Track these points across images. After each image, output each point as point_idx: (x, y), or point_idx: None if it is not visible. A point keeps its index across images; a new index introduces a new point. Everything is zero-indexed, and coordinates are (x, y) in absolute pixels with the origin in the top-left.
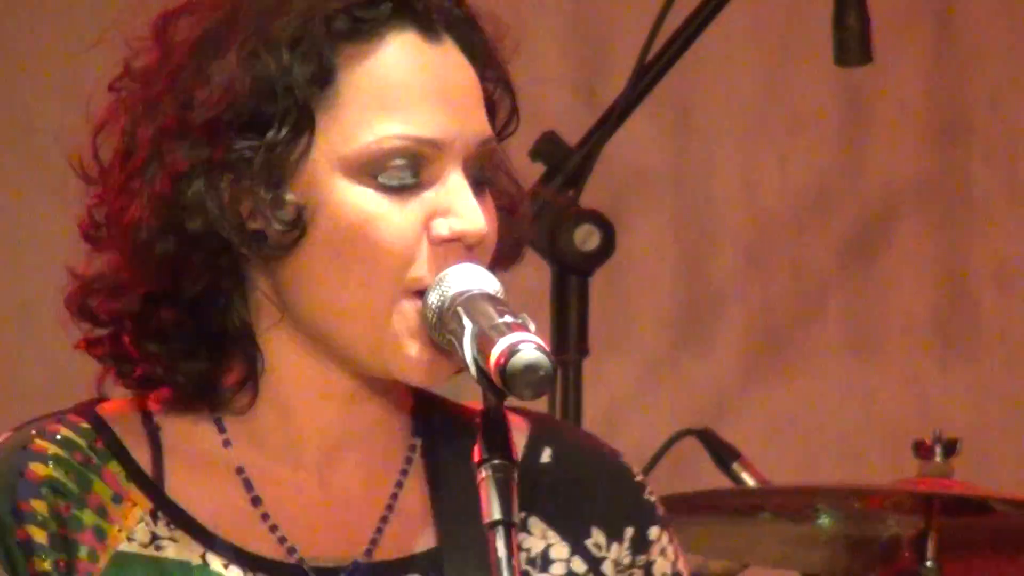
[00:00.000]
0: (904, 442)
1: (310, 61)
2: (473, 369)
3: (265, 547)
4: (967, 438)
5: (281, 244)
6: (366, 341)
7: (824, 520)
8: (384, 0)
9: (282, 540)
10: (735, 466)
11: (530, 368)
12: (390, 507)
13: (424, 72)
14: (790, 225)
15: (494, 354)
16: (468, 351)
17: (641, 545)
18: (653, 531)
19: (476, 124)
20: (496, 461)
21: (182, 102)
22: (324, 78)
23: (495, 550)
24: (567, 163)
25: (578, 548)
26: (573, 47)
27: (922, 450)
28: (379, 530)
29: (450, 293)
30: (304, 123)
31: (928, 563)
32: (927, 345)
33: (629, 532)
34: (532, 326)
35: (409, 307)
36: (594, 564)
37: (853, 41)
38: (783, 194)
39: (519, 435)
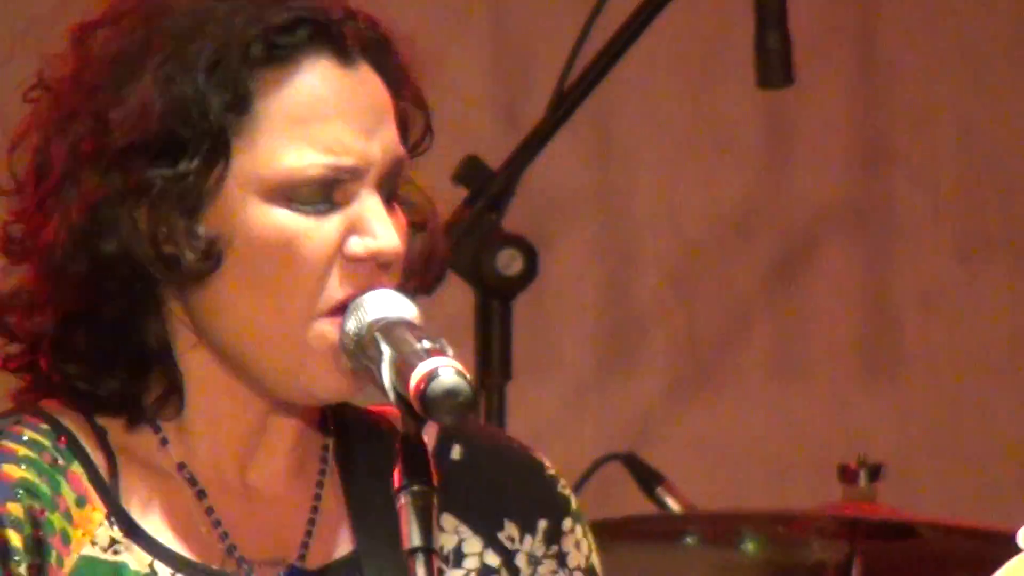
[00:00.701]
0: (829, 466)
1: (226, 87)
2: (392, 395)
3: (208, 552)
4: (892, 462)
5: (196, 272)
6: (282, 367)
7: (749, 545)
8: (300, 26)
9: (228, 545)
10: (659, 491)
11: (450, 393)
12: (314, 508)
13: (339, 97)
14: (714, 248)
15: (413, 379)
16: (387, 377)
17: (555, 537)
18: (567, 523)
19: (390, 145)
20: (416, 488)
21: (97, 123)
22: (240, 105)
23: (409, 563)
24: (489, 187)
25: (491, 541)
26: (494, 70)
27: (847, 474)
28: (308, 533)
29: (367, 319)
30: (219, 150)
31: None
32: (851, 369)
33: (542, 524)
34: (450, 351)
35: (325, 327)
36: (507, 557)
37: (775, 63)
38: (707, 217)
39: (429, 431)
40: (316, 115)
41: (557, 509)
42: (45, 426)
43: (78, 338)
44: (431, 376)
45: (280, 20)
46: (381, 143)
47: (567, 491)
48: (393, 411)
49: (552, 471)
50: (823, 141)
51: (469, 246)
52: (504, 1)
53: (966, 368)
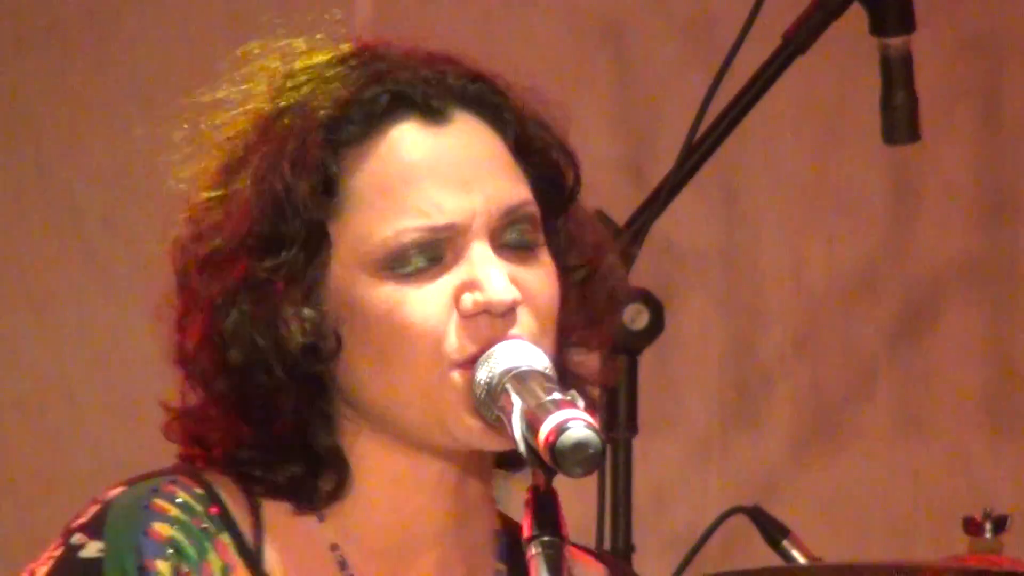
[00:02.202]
0: (953, 520)
1: (312, 175)
2: (522, 446)
3: None
4: (1017, 515)
5: (323, 354)
6: (424, 417)
7: None
8: (378, 97)
9: None
10: (785, 543)
11: (580, 446)
12: None
13: (428, 157)
14: (838, 305)
15: (543, 431)
16: (517, 428)
17: None
18: None
19: (496, 194)
20: (546, 538)
21: (211, 232)
22: (328, 188)
23: None
24: (616, 241)
25: None
26: (621, 128)
27: (972, 527)
28: None
29: (498, 370)
30: (317, 236)
31: None
32: (975, 423)
33: None
34: (581, 403)
35: (456, 376)
36: None
37: (902, 120)
38: (831, 274)
39: (594, 573)
40: (404, 181)
41: None
42: (200, 491)
43: (255, 439)
44: (561, 428)
45: (358, 96)
46: (483, 193)
47: None
48: (575, 551)
49: None
50: (947, 199)
51: None
52: (629, 60)
53: None
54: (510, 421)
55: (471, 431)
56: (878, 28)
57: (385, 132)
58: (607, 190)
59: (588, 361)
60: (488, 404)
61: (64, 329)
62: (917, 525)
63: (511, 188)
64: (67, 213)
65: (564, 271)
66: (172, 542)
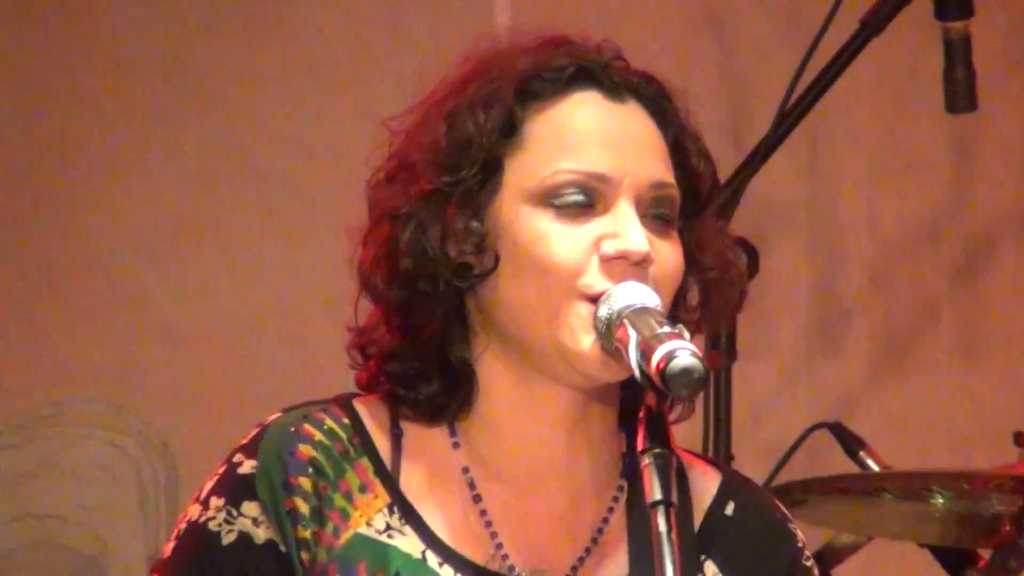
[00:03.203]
0: (1006, 434)
1: (499, 115)
2: (637, 372)
3: (476, 551)
4: None
5: (479, 270)
6: (547, 336)
7: (938, 499)
8: (568, 66)
9: (497, 544)
10: (861, 454)
11: (686, 371)
12: (595, 539)
13: (599, 121)
14: (907, 250)
15: (655, 359)
16: (633, 356)
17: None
18: (808, 567)
19: (648, 167)
20: (657, 450)
21: (402, 153)
22: (509, 129)
23: (656, 525)
24: (718, 197)
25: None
26: (722, 100)
27: (1021, 440)
28: (581, 559)
29: (617, 307)
30: (492, 165)
31: None
32: None
33: (788, 566)
34: (687, 335)
35: (583, 308)
36: None
37: (961, 92)
38: (900, 224)
39: (711, 483)
40: (575, 134)
41: (795, 555)
42: (346, 420)
43: (404, 349)
44: (670, 356)
45: (550, 63)
46: (635, 162)
47: (810, 562)
48: (691, 456)
49: (801, 543)
50: (1001, 158)
51: None
52: (729, 42)
53: None
54: (626, 350)
55: (587, 359)
56: (941, 14)
57: (568, 95)
58: (712, 154)
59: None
60: (607, 336)
61: (247, 270)
62: (974, 439)
63: (663, 169)
64: (250, 172)
65: (693, 265)
66: (313, 462)
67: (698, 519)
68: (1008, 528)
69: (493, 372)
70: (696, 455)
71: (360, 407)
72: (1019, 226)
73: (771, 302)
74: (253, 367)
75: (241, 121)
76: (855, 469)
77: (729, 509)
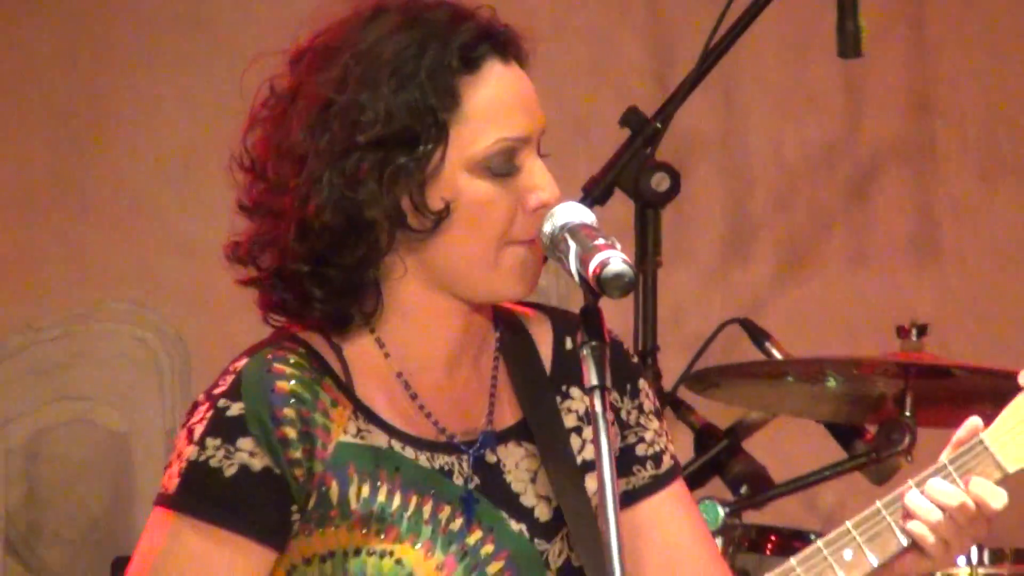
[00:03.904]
0: (889, 327)
1: (444, 91)
2: (576, 278)
3: (424, 430)
4: (934, 324)
5: (427, 229)
6: (483, 280)
7: (831, 382)
8: (483, 42)
9: (435, 422)
10: (767, 345)
11: (618, 276)
12: (493, 388)
13: (512, 89)
14: (806, 174)
15: (591, 266)
16: (573, 265)
17: (635, 393)
18: (641, 382)
19: (540, 119)
20: (594, 343)
21: (350, 125)
22: (455, 103)
23: (593, 407)
24: (646, 129)
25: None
26: (649, 47)
27: (902, 333)
28: (490, 409)
29: (559, 223)
30: (442, 138)
31: (906, 413)
32: (905, 260)
33: (628, 386)
34: (619, 246)
35: (515, 251)
36: (616, 412)
37: (850, 41)
38: (801, 151)
39: (545, 327)
40: (502, 106)
41: (634, 375)
42: (302, 350)
43: (330, 274)
44: (605, 264)
45: (470, 38)
46: (537, 117)
47: (635, 359)
48: (521, 309)
49: (626, 347)
50: (885, 97)
51: (631, 171)
52: (662, 4)
53: (986, 260)
54: (567, 259)
55: (514, 290)
56: None
57: (482, 66)
58: (640, 92)
59: None
60: (551, 249)
61: (213, 199)
62: (862, 331)
63: (544, 115)
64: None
65: None
66: (293, 393)
67: (547, 359)
68: (891, 407)
69: (409, 292)
70: (527, 305)
71: (304, 337)
72: (900, 153)
73: (690, 217)
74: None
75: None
76: (762, 357)
77: (568, 344)
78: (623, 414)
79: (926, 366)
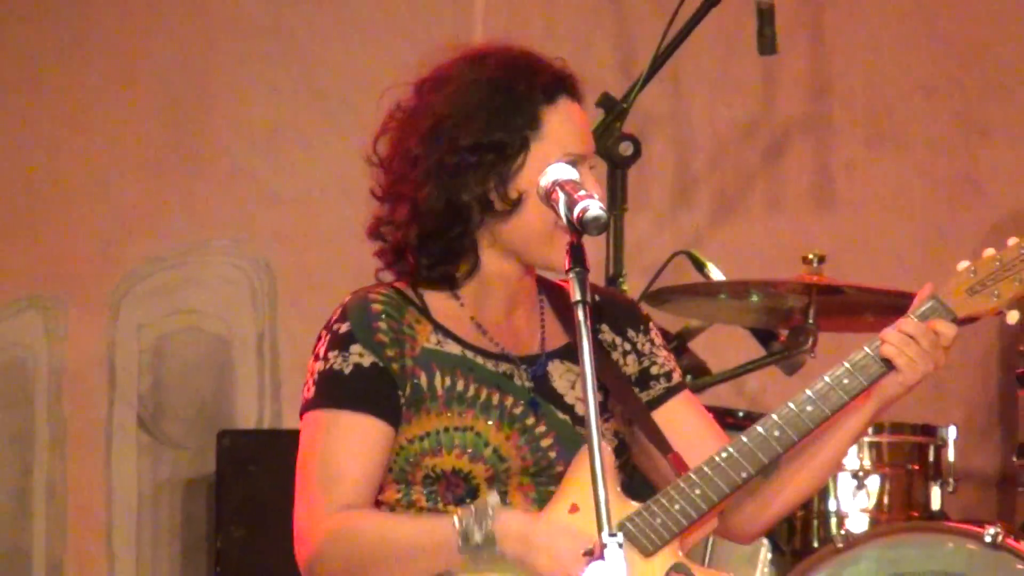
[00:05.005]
0: (797, 258)
1: (528, 115)
2: (564, 220)
3: (490, 348)
4: (830, 255)
5: (506, 213)
6: (541, 252)
7: (754, 298)
8: (560, 82)
9: (497, 344)
10: (706, 270)
11: (595, 219)
12: (543, 329)
13: (577, 119)
14: (734, 142)
15: (576, 211)
16: (562, 210)
17: (647, 331)
18: (650, 324)
19: (592, 143)
20: (578, 269)
21: (455, 135)
22: (536, 124)
23: (576, 316)
24: (616, 108)
25: (626, 338)
26: (617, 48)
27: (806, 261)
28: (542, 340)
29: (551, 179)
30: (524, 147)
31: (810, 321)
32: (809, 207)
33: (641, 327)
34: (597, 195)
35: (562, 234)
36: (633, 344)
37: (768, 42)
38: (730, 125)
39: (574, 287)
40: (572, 130)
41: (645, 320)
42: (390, 292)
43: (432, 245)
44: (586, 209)
45: (551, 79)
46: (591, 144)
47: (643, 311)
48: (559, 281)
49: (636, 302)
50: (794, 84)
51: (605, 140)
52: (622, 12)
53: (870, 206)
54: (558, 206)
55: (561, 262)
56: None
57: (558, 100)
58: (612, 81)
59: None
60: (545, 198)
61: (277, 138)
62: (778, 261)
63: (593, 140)
64: (317, 94)
65: None
66: (384, 311)
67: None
68: (799, 316)
69: (490, 257)
70: (565, 280)
71: (394, 285)
72: (805, 126)
73: (648, 174)
74: (330, 217)
75: (326, 68)
76: (702, 280)
77: (598, 297)
78: (639, 346)
79: (824, 286)
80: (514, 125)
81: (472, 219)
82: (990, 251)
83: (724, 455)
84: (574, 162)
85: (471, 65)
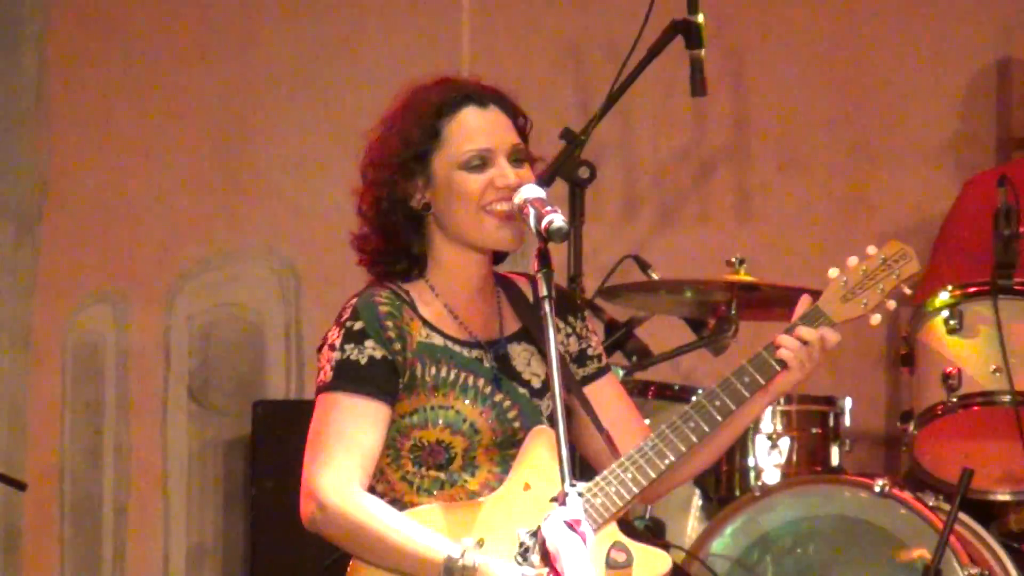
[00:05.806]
0: (722, 261)
1: (426, 129)
2: (534, 230)
3: (462, 335)
4: (749, 259)
5: (428, 207)
6: (475, 235)
7: (688, 293)
8: (464, 96)
9: (468, 330)
10: (649, 271)
11: (559, 229)
12: (499, 316)
13: (479, 122)
14: (671, 166)
15: (543, 223)
16: (532, 222)
17: (583, 320)
18: (586, 313)
19: (508, 139)
20: (544, 270)
21: (390, 152)
22: (435, 136)
23: (543, 309)
24: (575, 140)
25: (568, 322)
26: (576, 87)
27: (729, 264)
28: (500, 326)
29: (523, 197)
30: (429, 156)
31: (732, 312)
32: (732, 220)
33: (579, 315)
34: (559, 211)
35: (490, 218)
36: (573, 328)
37: (699, 85)
38: (670, 150)
39: (524, 281)
40: (472, 130)
41: (582, 310)
42: (388, 294)
43: (393, 246)
44: (552, 222)
45: (451, 96)
46: (501, 140)
47: (581, 300)
48: (517, 277)
49: (574, 293)
50: (717, 117)
51: (566, 166)
52: (580, 65)
53: (782, 219)
54: (529, 219)
55: (498, 243)
56: (688, 45)
57: (461, 110)
58: (572, 118)
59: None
60: (519, 213)
61: (303, 164)
62: (707, 263)
63: (514, 136)
64: (335, 128)
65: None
66: (389, 311)
67: (530, 296)
68: (723, 308)
69: (441, 248)
70: (514, 273)
71: (387, 285)
72: (728, 153)
73: (602, 192)
74: (345, 229)
75: (337, 97)
76: (645, 279)
77: (543, 291)
78: (577, 329)
79: (744, 284)
80: (418, 140)
81: (420, 219)
82: (854, 260)
83: (650, 444)
84: (479, 156)
85: (402, 98)
